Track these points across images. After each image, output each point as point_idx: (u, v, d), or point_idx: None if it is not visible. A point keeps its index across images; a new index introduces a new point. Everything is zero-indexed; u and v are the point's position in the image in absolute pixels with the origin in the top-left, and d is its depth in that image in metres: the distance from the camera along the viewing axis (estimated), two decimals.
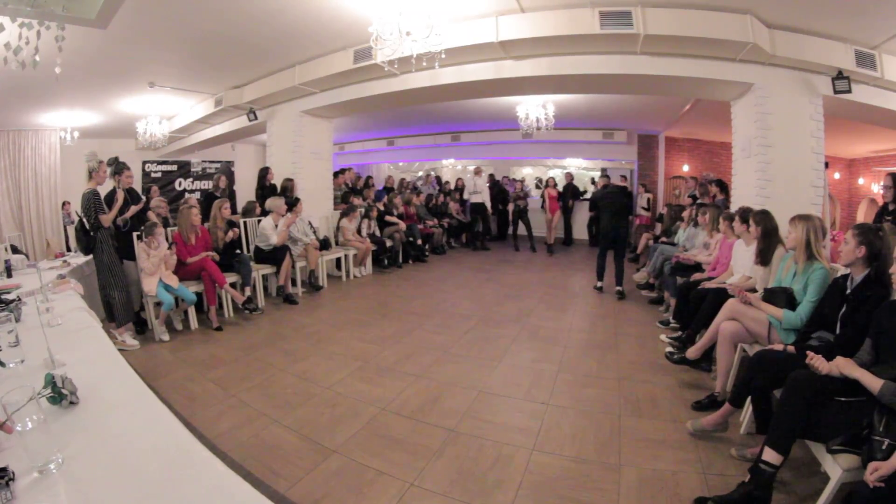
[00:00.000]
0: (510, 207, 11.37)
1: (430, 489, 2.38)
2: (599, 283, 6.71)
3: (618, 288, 6.43)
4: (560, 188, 11.60)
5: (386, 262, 8.50)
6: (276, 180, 7.61)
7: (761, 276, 3.75)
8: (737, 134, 5.67)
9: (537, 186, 15.25)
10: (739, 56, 4.90)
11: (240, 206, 7.70)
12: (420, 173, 15.51)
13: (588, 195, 12.48)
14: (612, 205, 6.56)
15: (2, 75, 4.12)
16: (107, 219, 4.46)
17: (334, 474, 2.52)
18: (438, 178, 13.10)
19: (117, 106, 7.96)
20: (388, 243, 8.62)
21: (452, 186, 12.62)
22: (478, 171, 11.20)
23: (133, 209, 4.90)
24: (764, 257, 3.72)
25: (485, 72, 5.77)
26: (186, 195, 8.82)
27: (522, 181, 11.88)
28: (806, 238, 2.98)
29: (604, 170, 13.11)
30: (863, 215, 7.40)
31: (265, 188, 7.47)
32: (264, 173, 7.60)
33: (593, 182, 12.03)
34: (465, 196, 11.48)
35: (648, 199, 11.00)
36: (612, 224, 6.49)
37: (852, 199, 11.26)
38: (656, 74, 5.22)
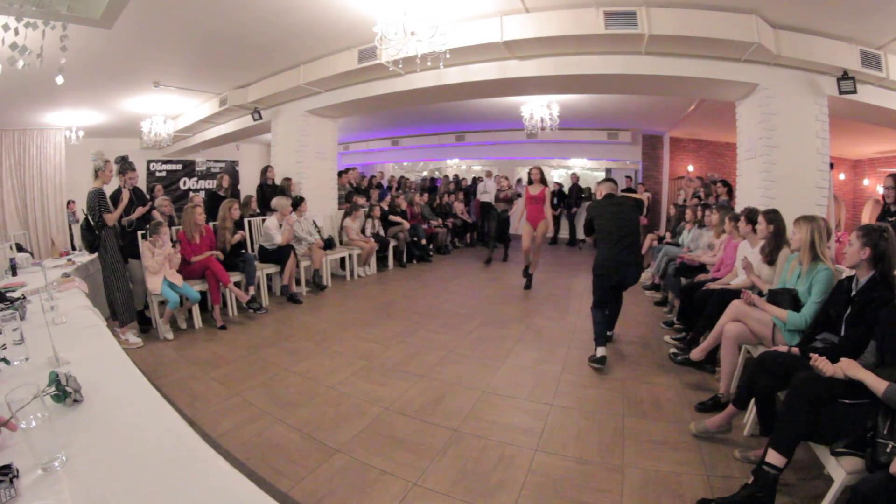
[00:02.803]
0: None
1: (432, 489, 2.38)
2: (601, 352, 4.02)
3: (608, 332, 4.39)
4: (550, 185, 11.22)
5: (389, 261, 8.53)
6: (279, 179, 7.62)
7: (766, 276, 3.74)
8: (741, 134, 5.66)
9: None
10: (744, 56, 4.88)
11: None
12: (424, 173, 15.54)
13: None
14: (620, 227, 4.11)
15: (7, 75, 4.13)
16: (111, 218, 4.48)
17: (337, 473, 2.52)
18: (447, 178, 13.14)
19: (122, 105, 7.99)
20: (393, 243, 8.63)
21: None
22: (488, 174, 11.36)
23: (139, 211, 4.92)
24: (772, 256, 3.72)
25: (489, 72, 5.77)
26: (191, 194, 8.85)
27: (505, 179, 9.77)
28: (811, 239, 2.97)
29: (609, 170, 13.14)
30: (868, 216, 7.36)
31: (265, 186, 7.49)
32: (264, 171, 7.64)
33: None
34: (479, 196, 11.50)
35: (648, 199, 10.94)
36: (616, 258, 4.05)
37: (857, 200, 11.21)
38: (661, 75, 5.21)
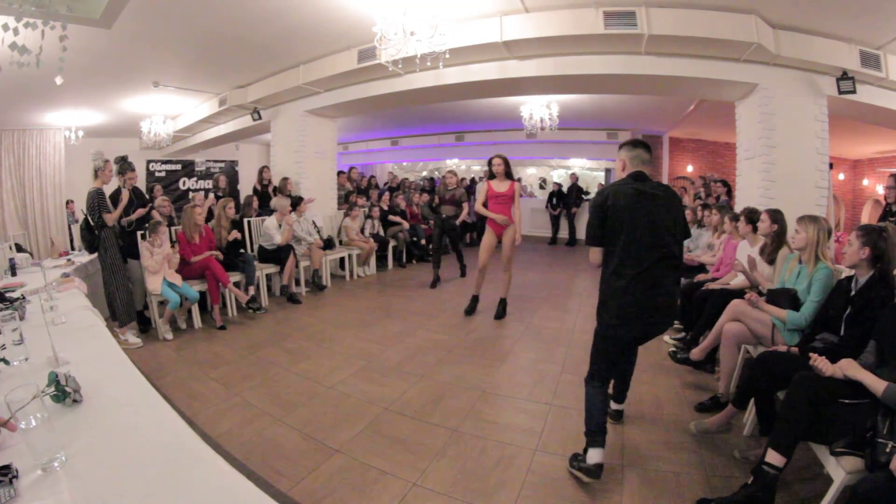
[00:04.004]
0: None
1: (432, 489, 2.39)
2: (594, 457, 2.42)
3: (615, 405, 3.06)
4: (549, 185, 11.01)
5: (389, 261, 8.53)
6: (277, 179, 7.62)
7: (766, 276, 3.74)
8: (741, 134, 5.66)
9: (541, 187, 15.22)
10: (744, 56, 4.88)
11: None
12: (424, 173, 15.56)
13: (591, 195, 12.44)
14: (657, 240, 2.36)
15: (7, 75, 4.13)
16: (111, 218, 4.49)
17: (337, 473, 2.53)
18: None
19: (122, 105, 7.98)
20: (392, 243, 8.63)
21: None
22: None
23: (139, 212, 4.93)
24: (773, 256, 3.72)
25: (489, 72, 5.77)
26: (191, 194, 8.86)
27: (452, 175, 7.49)
28: (817, 239, 2.97)
29: (608, 170, 13.07)
30: (867, 216, 7.38)
31: (263, 186, 7.51)
32: (260, 172, 7.67)
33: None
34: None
35: None
36: (646, 299, 2.37)
37: (857, 200, 11.22)
38: (660, 75, 5.21)
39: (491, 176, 5.35)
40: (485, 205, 5.28)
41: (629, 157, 2.55)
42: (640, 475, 2.48)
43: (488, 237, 5.35)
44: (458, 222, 7.28)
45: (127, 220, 4.82)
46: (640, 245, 2.34)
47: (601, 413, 2.50)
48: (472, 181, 12.72)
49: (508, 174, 5.30)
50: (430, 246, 8.28)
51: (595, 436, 2.46)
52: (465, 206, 7.27)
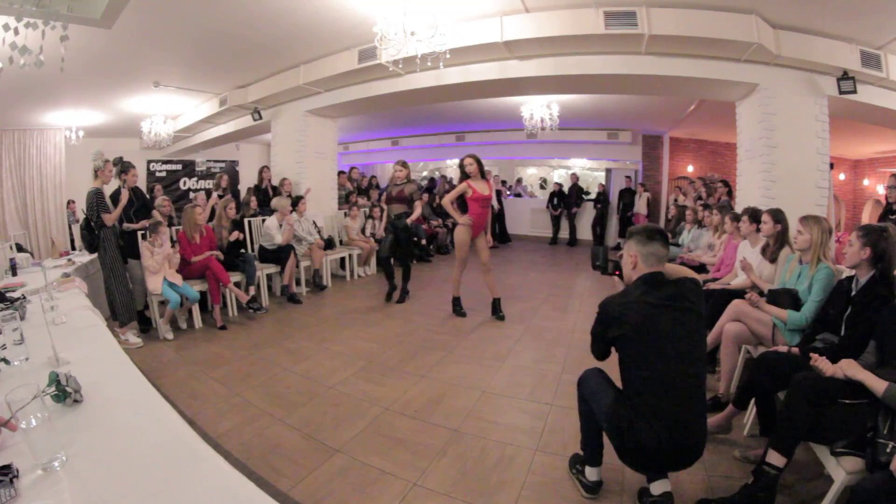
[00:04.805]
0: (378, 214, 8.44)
1: (432, 489, 2.39)
2: (592, 475, 2.36)
3: (658, 486, 2.11)
4: (549, 186, 10.92)
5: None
6: (277, 179, 7.60)
7: (768, 275, 3.73)
8: (741, 135, 5.66)
9: (542, 187, 15.19)
10: (744, 56, 4.88)
11: None
12: (424, 173, 15.56)
13: (592, 195, 12.45)
14: (687, 368, 1.94)
15: (8, 75, 4.13)
16: (110, 218, 4.49)
17: (337, 473, 2.53)
18: (444, 178, 13.12)
19: (122, 105, 7.99)
20: None
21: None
22: (487, 174, 11.28)
23: (143, 223, 4.92)
24: (775, 255, 3.71)
25: (489, 72, 5.77)
26: (192, 194, 8.87)
27: (402, 167, 6.20)
28: (820, 240, 2.97)
29: (608, 170, 13.07)
30: (868, 216, 7.37)
31: (259, 188, 7.51)
32: (260, 172, 7.67)
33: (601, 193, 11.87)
34: None
35: (648, 199, 10.91)
36: (680, 433, 1.89)
37: (857, 200, 11.23)
38: (661, 75, 5.21)
39: (464, 175, 5.21)
40: (462, 205, 5.26)
41: (643, 253, 2.09)
42: (640, 475, 2.48)
43: (464, 234, 5.28)
44: (409, 221, 6.15)
45: (128, 226, 4.82)
46: (677, 373, 1.92)
47: (594, 432, 2.29)
48: (432, 180, 12.66)
49: (482, 173, 5.23)
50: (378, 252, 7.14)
51: (593, 454, 2.33)
52: (418, 205, 6.26)
